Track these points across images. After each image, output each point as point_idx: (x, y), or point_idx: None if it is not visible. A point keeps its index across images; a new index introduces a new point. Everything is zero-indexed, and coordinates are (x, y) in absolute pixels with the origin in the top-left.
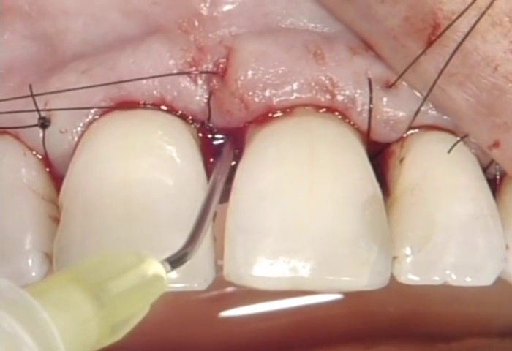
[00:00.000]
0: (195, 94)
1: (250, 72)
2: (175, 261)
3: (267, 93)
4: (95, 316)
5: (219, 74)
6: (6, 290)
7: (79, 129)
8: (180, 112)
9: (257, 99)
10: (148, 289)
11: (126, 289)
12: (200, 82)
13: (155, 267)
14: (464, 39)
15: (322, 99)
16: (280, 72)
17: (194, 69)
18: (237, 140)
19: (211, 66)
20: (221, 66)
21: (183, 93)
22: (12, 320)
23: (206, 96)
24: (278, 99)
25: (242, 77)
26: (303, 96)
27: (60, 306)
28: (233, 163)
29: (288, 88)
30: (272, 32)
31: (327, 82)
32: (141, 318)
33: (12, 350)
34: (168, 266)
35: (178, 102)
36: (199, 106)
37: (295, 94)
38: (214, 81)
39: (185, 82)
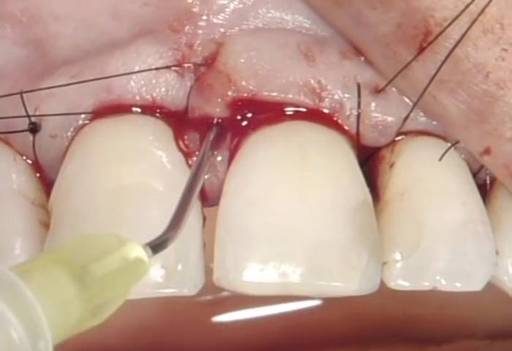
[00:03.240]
0: (183, 88)
1: (241, 60)
2: (157, 246)
3: (255, 81)
4: (77, 298)
5: (208, 63)
6: None
7: (69, 133)
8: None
9: (244, 82)
10: (130, 272)
11: (108, 272)
12: (187, 76)
13: (137, 251)
14: (455, 46)
15: (309, 102)
16: (271, 66)
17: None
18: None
19: (200, 60)
20: (211, 59)
21: (172, 91)
22: None
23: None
24: (265, 91)
25: (232, 63)
26: (290, 95)
27: (43, 285)
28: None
29: (277, 83)
30: (264, 31)
31: (316, 85)
32: (122, 302)
33: None
34: (149, 250)
35: (167, 99)
36: (184, 98)
37: (282, 91)
38: (201, 69)
39: (173, 79)
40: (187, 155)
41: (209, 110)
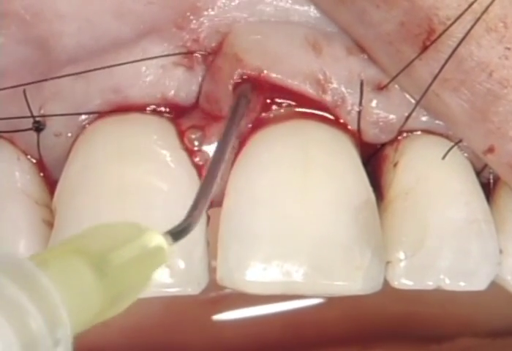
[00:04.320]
0: (195, 81)
1: (248, 40)
2: (178, 233)
3: (261, 62)
4: (96, 287)
5: (214, 52)
6: (8, 259)
7: (74, 132)
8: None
9: (251, 62)
10: (150, 261)
11: (127, 261)
12: (197, 67)
13: (156, 239)
14: (459, 45)
15: (313, 92)
16: (278, 51)
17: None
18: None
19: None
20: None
21: (182, 85)
22: (14, 288)
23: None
24: (272, 72)
25: (238, 43)
26: (296, 82)
27: (62, 275)
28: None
29: (283, 68)
30: (271, 23)
31: (321, 76)
32: (142, 291)
33: (15, 318)
34: (170, 238)
35: (178, 97)
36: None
37: (288, 76)
38: (210, 58)
39: (182, 74)
40: (192, 154)
41: (220, 93)
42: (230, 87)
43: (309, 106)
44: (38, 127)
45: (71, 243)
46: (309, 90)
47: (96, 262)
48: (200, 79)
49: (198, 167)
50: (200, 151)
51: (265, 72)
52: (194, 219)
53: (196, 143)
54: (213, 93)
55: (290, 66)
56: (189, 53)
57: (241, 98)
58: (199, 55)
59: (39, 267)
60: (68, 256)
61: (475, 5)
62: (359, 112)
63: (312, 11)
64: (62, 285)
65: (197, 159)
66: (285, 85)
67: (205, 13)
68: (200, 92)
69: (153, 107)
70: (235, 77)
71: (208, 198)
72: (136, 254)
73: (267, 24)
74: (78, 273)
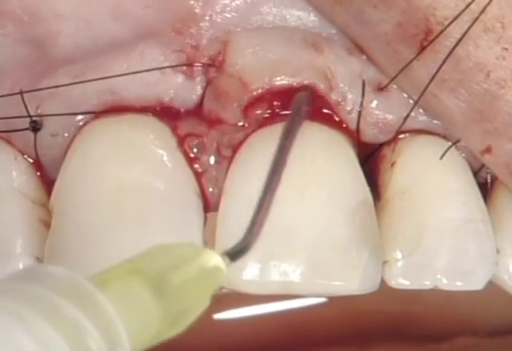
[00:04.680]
0: (193, 90)
1: (249, 57)
2: (234, 254)
3: (266, 74)
4: (155, 307)
5: (216, 65)
6: (67, 279)
7: (70, 132)
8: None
9: (256, 79)
10: (208, 281)
11: (186, 281)
12: (197, 77)
13: (214, 259)
14: (456, 45)
15: (322, 86)
16: (279, 56)
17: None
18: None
19: (206, 60)
20: (219, 59)
21: (181, 92)
22: (74, 308)
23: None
24: (278, 79)
25: (240, 62)
26: (303, 79)
27: (121, 295)
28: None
29: (288, 70)
30: (268, 28)
31: (326, 71)
32: (201, 311)
33: (74, 338)
34: (227, 258)
35: (175, 101)
36: (197, 100)
37: (294, 76)
38: (212, 73)
39: (181, 81)
40: (191, 160)
41: (226, 115)
42: (239, 110)
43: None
44: (35, 127)
45: (129, 263)
46: (318, 84)
47: (155, 283)
48: (199, 89)
49: (197, 174)
50: (199, 158)
51: (272, 85)
52: (251, 239)
53: (195, 150)
54: (217, 113)
55: (294, 65)
56: (187, 65)
57: (297, 111)
58: (199, 68)
59: (98, 287)
60: (126, 276)
61: (472, 5)
62: (359, 113)
63: (310, 15)
64: (121, 305)
65: (196, 166)
66: (294, 85)
67: (204, 19)
68: (200, 101)
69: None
70: (244, 102)
71: (265, 218)
72: (194, 274)
73: (264, 30)
74: (137, 294)
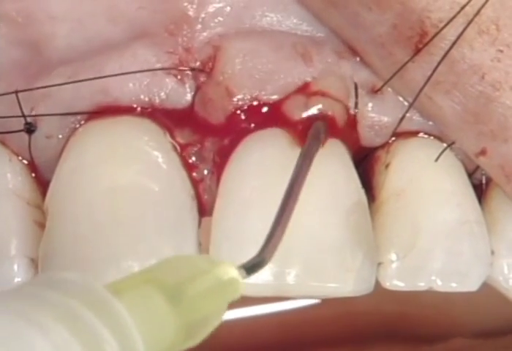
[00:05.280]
0: (183, 94)
1: (238, 67)
2: (251, 267)
3: (253, 86)
4: (172, 318)
5: (206, 71)
6: (84, 287)
7: (65, 134)
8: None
9: (242, 90)
10: (223, 293)
11: (201, 292)
12: (187, 82)
13: (230, 272)
14: (451, 47)
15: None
16: (268, 69)
17: (180, 69)
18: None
19: (198, 65)
20: (210, 64)
21: (172, 95)
22: (91, 315)
23: (193, 93)
24: (263, 93)
25: (229, 71)
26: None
27: (137, 305)
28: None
29: (275, 85)
30: (260, 33)
31: (314, 84)
32: (217, 324)
33: (91, 345)
34: (244, 272)
35: (166, 103)
36: (187, 104)
37: (282, 92)
38: (201, 78)
39: (172, 83)
40: (190, 168)
41: (212, 121)
42: (223, 118)
43: None
44: (29, 129)
45: (145, 273)
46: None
47: (171, 293)
48: (190, 92)
49: (195, 181)
50: (196, 167)
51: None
52: (268, 253)
53: (193, 158)
54: (204, 115)
55: (281, 82)
56: (177, 69)
57: (314, 140)
58: (189, 72)
59: (115, 296)
60: (143, 286)
61: (467, 8)
62: (354, 116)
63: (300, 17)
64: (137, 314)
65: (194, 174)
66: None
67: (196, 22)
68: (191, 105)
69: (141, 110)
70: (228, 111)
71: (283, 232)
72: (210, 285)
73: (256, 36)
74: (153, 303)
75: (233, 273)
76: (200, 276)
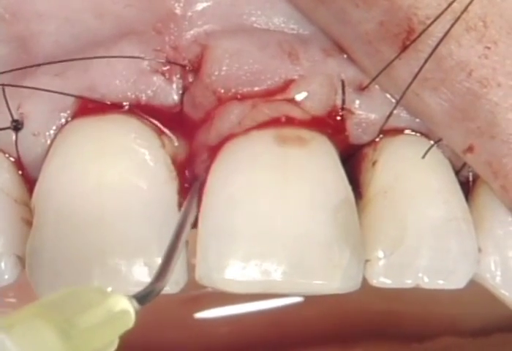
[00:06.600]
0: (170, 93)
1: (224, 68)
2: (143, 297)
3: (240, 88)
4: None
5: (193, 69)
6: None
7: (52, 131)
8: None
9: (229, 94)
10: (115, 324)
11: (92, 325)
12: (174, 80)
13: (122, 303)
14: (438, 44)
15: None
16: (254, 69)
17: (168, 67)
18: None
19: (186, 63)
20: (195, 65)
21: (159, 93)
22: None
23: (181, 92)
24: (252, 95)
25: (216, 73)
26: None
27: (27, 339)
28: None
29: (262, 86)
30: (247, 31)
31: (300, 81)
32: None
33: None
34: (135, 302)
35: (153, 101)
36: (174, 104)
37: (267, 92)
38: (189, 78)
39: (159, 81)
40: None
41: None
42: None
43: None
44: (16, 126)
45: (36, 307)
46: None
47: (62, 326)
48: (177, 92)
49: (184, 189)
50: (184, 174)
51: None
52: (159, 284)
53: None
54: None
55: (268, 82)
56: (166, 62)
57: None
58: (178, 69)
59: (3, 331)
60: (33, 320)
61: (454, 4)
62: (342, 114)
63: (288, 16)
64: (26, 349)
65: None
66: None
67: (183, 20)
68: (179, 103)
69: (128, 107)
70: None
71: (174, 263)
72: (101, 317)
73: (243, 35)
74: (43, 337)
75: (124, 304)
76: (91, 308)
